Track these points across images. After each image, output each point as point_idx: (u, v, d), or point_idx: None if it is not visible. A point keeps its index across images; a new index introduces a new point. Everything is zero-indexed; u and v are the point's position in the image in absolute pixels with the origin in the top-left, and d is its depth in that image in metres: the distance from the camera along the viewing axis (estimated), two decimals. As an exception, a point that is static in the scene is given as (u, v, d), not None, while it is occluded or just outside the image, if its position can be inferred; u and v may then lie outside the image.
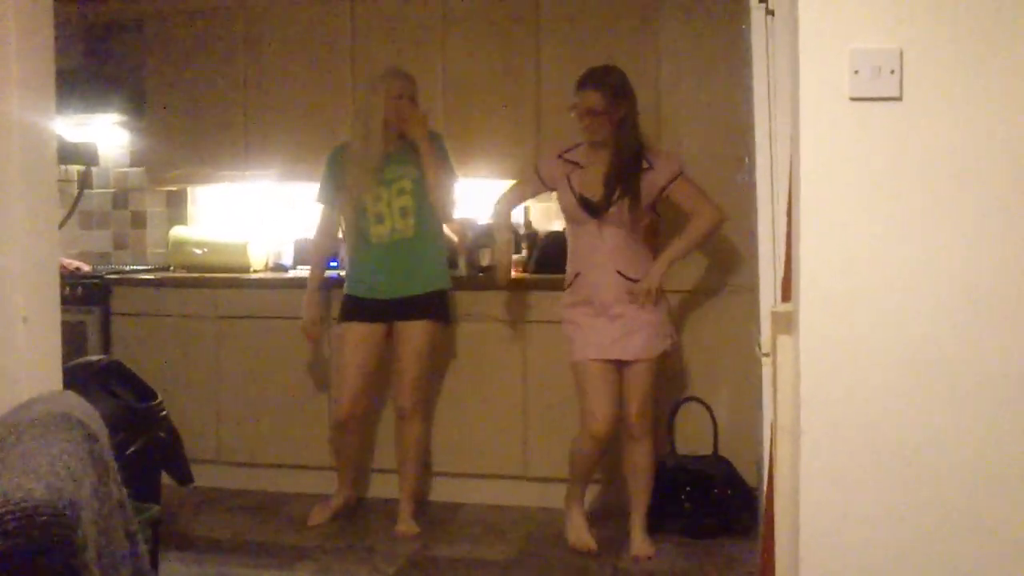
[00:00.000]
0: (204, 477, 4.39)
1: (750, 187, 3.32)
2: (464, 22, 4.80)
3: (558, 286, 4.45)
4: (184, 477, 3.94)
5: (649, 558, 3.88)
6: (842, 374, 1.96)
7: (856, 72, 1.90)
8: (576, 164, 3.94)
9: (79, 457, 1.38)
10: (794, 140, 2.02)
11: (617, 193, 3.83)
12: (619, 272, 3.85)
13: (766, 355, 2.64)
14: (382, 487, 4.63)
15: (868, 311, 1.94)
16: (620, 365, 3.90)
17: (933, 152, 1.90)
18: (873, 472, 1.96)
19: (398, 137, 4.16)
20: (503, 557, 3.95)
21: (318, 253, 4.43)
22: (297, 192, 5.28)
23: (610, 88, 3.81)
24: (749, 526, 3.98)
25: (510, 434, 4.53)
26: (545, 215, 5.03)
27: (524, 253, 4.80)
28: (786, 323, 2.12)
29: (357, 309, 4.25)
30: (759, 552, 3.09)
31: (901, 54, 1.89)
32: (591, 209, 3.85)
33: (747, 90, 3.15)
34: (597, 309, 3.87)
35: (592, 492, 4.35)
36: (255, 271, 5.05)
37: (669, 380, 4.39)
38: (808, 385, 1.98)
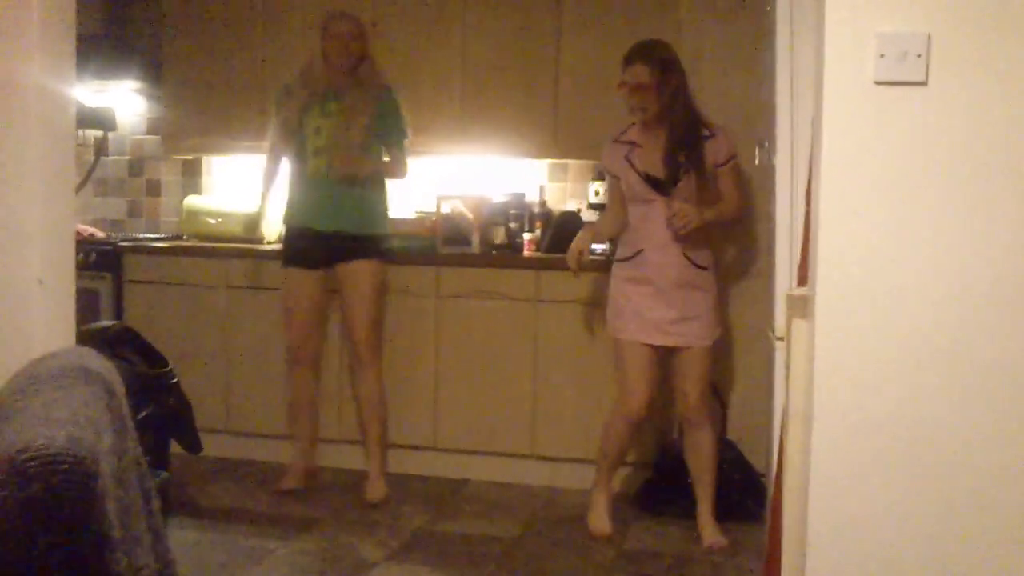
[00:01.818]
0: (213, 446, 4.41)
1: (769, 170, 3.31)
2: (483, 1, 4.78)
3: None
4: (193, 445, 3.96)
5: (722, 548, 3.79)
6: (856, 360, 1.95)
7: (882, 56, 1.89)
8: (633, 143, 3.83)
9: (99, 409, 1.38)
10: (816, 123, 2.00)
11: (683, 166, 3.72)
12: (685, 255, 3.75)
13: (780, 339, 2.64)
14: (390, 462, 4.64)
15: (885, 298, 1.93)
16: (670, 350, 3.83)
17: (957, 138, 1.88)
18: (884, 460, 1.95)
19: (342, 75, 4.22)
20: (508, 534, 3.97)
21: (265, 181, 4.45)
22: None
23: (657, 61, 3.70)
24: (755, 511, 3.99)
25: (519, 412, 4.54)
26: (559, 195, 5.02)
27: (537, 232, 4.79)
28: (802, 307, 2.11)
29: (295, 251, 4.31)
30: (766, 536, 3.09)
31: (929, 38, 1.87)
32: (658, 186, 3.74)
33: (769, 73, 3.14)
34: (656, 290, 3.77)
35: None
36: (268, 242, 5.05)
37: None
38: (822, 370, 1.97)
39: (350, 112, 4.18)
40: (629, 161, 3.81)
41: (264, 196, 4.45)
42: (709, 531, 3.86)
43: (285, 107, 4.28)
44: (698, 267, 3.78)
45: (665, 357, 3.86)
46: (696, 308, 3.78)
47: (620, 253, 3.90)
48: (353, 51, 4.22)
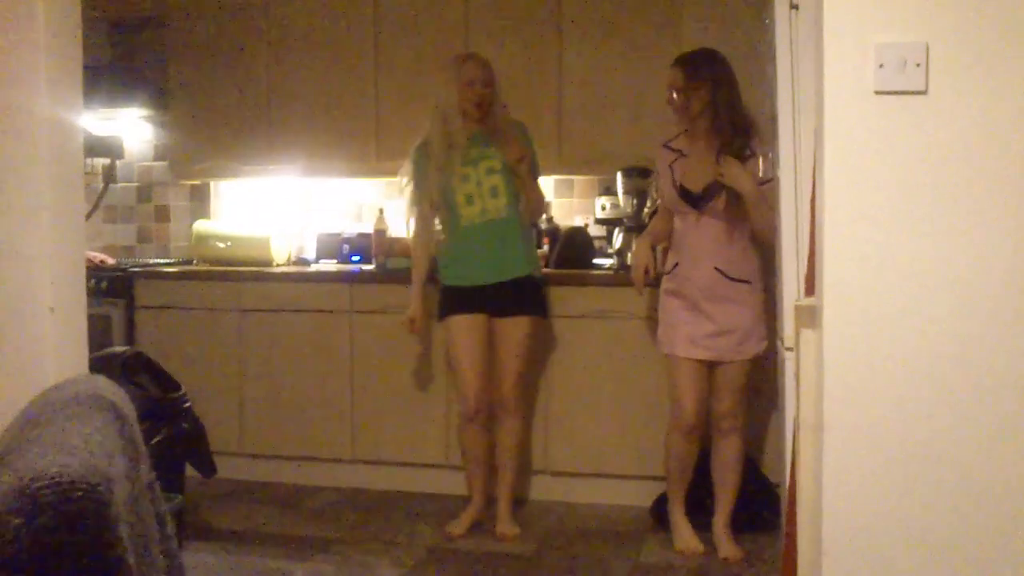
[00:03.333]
0: (227, 469, 4.42)
1: (774, 181, 3.32)
2: (486, 18, 4.80)
3: (579, 281, 4.47)
4: (207, 468, 3.98)
5: (738, 560, 3.77)
6: (866, 369, 1.95)
7: (881, 66, 1.89)
8: (680, 153, 3.82)
9: (111, 436, 1.39)
10: (818, 134, 2.01)
11: (717, 185, 3.68)
12: (717, 268, 3.73)
13: (789, 349, 2.64)
14: (403, 481, 4.65)
15: (892, 306, 1.93)
16: (711, 363, 3.82)
17: (958, 147, 1.89)
18: (896, 469, 1.95)
19: (477, 122, 4.03)
20: (524, 551, 3.96)
21: (420, 248, 4.17)
22: (319, 186, 5.31)
23: (691, 64, 3.71)
24: (770, 521, 3.97)
25: (533, 429, 4.53)
26: (566, 210, 5.03)
27: (545, 248, 4.80)
28: (809, 317, 2.11)
29: (455, 300, 4.11)
30: (781, 547, 3.08)
31: (927, 48, 1.88)
32: (691, 200, 3.75)
33: (770, 85, 3.14)
34: (690, 303, 3.78)
35: (609, 487, 4.37)
36: (278, 265, 5.08)
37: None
38: (831, 380, 1.97)
39: (506, 148, 3.99)
40: (671, 170, 3.82)
41: (419, 274, 4.19)
42: (725, 543, 3.84)
43: (432, 163, 4.02)
44: (733, 280, 3.74)
45: (709, 369, 3.84)
46: (732, 322, 3.74)
47: (666, 266, 3.91)
48: (486, 97, 4.00)
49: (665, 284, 3.89)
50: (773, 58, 2.91)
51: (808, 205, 2.54)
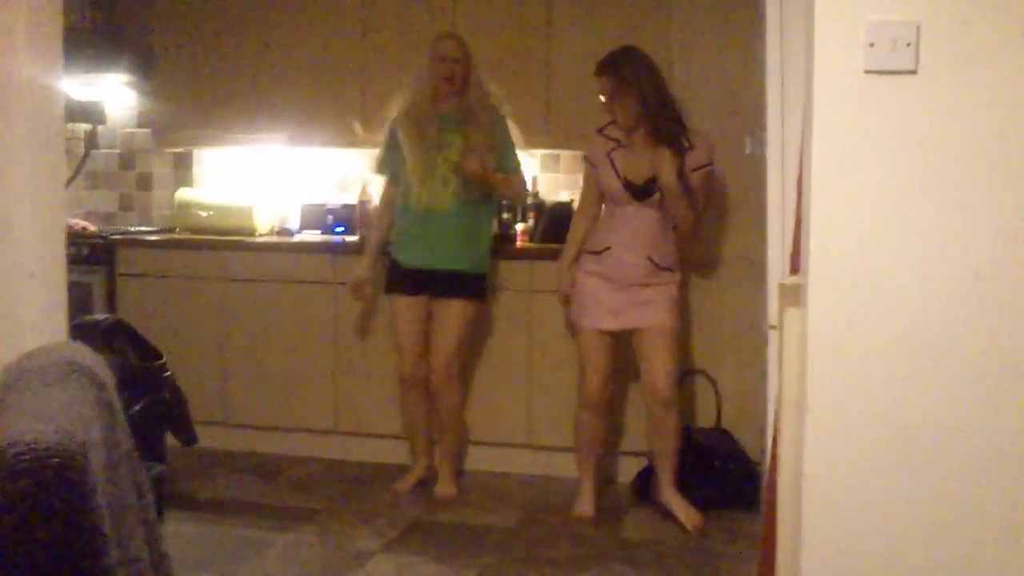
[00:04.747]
0: (209, 439, 4.41)
1: (760, 159, 3.31)
2: (475, -9, 4.76)
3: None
4: (189, 438, 3.96)
5: (696, 526, 3.86)
6: (850, 349, 1.95)
7: (872, 45, 1.88)
8: (617, 142, 3.91)
9: (88, 403, 1.38)
10: (807, 113, 2.00)
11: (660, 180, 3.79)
12: (650, 258, 3.87)
13: (773, 327, 2.64)
14: (385, 453, 4.65)
15: (878, 286, 1.93)
16: (630, 336, 3.93)
17: (948, 127, 1.88)
18: (878, 449, 1.95)
19: (448, 99, 4.12)
20: (505, 523, 3.98)
21: (375, 216, 4.41)
22: (304, 156, 5.27)
23: (614, 71, 3.80)
24: (750, 498, 4.00)
25: (515, 402, 4.54)
26: (552, 185, 5.02)
27: (530, 223, 4.79)
28: (794, 295, 2.11)
29: (399, 279, 4.23)
30: (760, 525, 3.10)
31: (918, 27, 1.87)
32: (635, 193, 3.85)
33: (760, 62, 3.13)
34: (617, 286, 3.89)
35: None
36: (261, 234, 5.05)
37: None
38: (815, 359, 1.97)
39: (473, 137, 4.08)
40: (611, 161, 3.89)
41: (372, 243, 4.35)
42: (685, 511, 3.91)
43: (401, 136, 4.14)
44: (661, 268, 3.89)
45: (626, 343, 3.97)
46: (653, 297, 3.88)
47: (589, 246, 3.98)
48: (459, 73, 4.09)
49: (590, 265, 3.96)
50: (763, 35, 2.90)
51: (794, 183, 2.53)
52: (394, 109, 4.23)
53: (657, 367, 3.87)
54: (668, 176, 3.72)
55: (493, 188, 4.17)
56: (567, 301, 4.07)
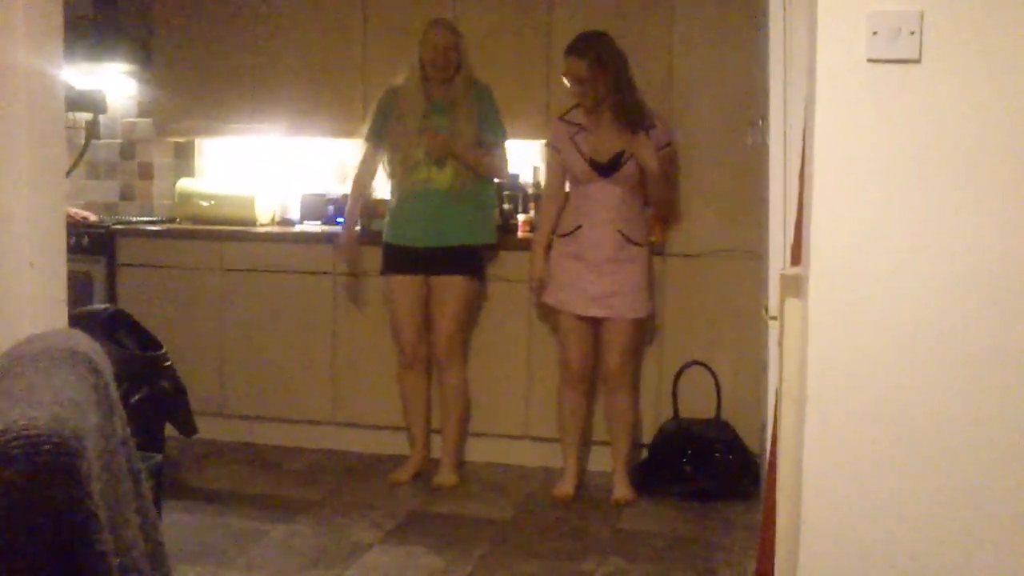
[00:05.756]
0: (207, 429, 4.40)
1: (762, 149, 3.30)
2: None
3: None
4: (187, 428, 3.96)
5: (628, 503, 4.03)
6: (850, 341, 1.94)
7: (875, 33, 1.87)
8: (579, 126, 4.06)
9: (84, 390, 1.37)
10: (809, 102, 1.99)
11: (626, 154, 3.98)
12: (620, 231, 4.02)
13: (773, 318, 2.64)
14: (383, 444, 4.65)
15: (879, 278, 1.92)
16: (599, 321, 4.09)
17: (951, 116, 1.87)
18: (878, 440, 1.94)
19: (439, 84, 4.20)
20: (503, 515, 3.97)
21: (354, 185, 4.46)
22: (305, 146, 5.26)
23: (593, 57, 3.92)
24: (749, 490, 4.00)
25: (513, 393, 4.54)
26: (553, 176, 5.00)
27: (532, 213, 4.77)
28: (794, 286, 2.10)
29: (395, 259, 4.31)
30: (760, 517, 3.10)
31: (922, 15, 1.86)
32: (601, 170, 3.99)
33: (762, 52, 3.12)
34: (590, 264, 4.03)
35: (589, 453, 4.38)
36: (261, 225, 5.04)
37: (673, 344, 4.39)
38: (815, 350, 1.96)
39: (460, 122, 4.17)
40: (575, 143, 4.04)
41: (353, 207, 4.44)
42: (618, 486, 4.10)
43: (393, 119, 4.24)
44: (632, 243, 4.05)
45: (595, 327, 4.12)
46: (625, 284, 4.05)
47: (560, 228, 4.13)
48: (451, 60, 4.19)
49: (563, 247, 4.11)
50: (765, 24, 2.89)
51: (796, 174, 2.52)
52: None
53: (611, 352, 4.09)
54: (650, 160, 3.93)
55: (473, 163, 4.23)
56: (540, 288, 4.19)
